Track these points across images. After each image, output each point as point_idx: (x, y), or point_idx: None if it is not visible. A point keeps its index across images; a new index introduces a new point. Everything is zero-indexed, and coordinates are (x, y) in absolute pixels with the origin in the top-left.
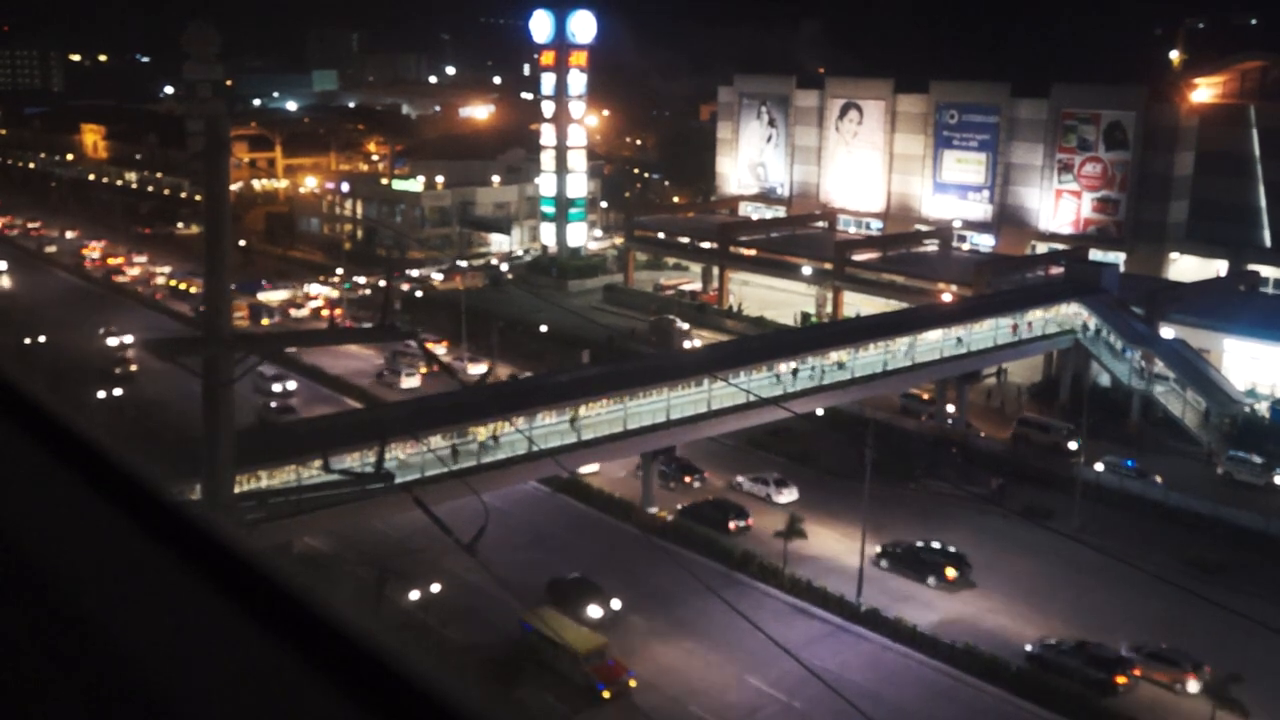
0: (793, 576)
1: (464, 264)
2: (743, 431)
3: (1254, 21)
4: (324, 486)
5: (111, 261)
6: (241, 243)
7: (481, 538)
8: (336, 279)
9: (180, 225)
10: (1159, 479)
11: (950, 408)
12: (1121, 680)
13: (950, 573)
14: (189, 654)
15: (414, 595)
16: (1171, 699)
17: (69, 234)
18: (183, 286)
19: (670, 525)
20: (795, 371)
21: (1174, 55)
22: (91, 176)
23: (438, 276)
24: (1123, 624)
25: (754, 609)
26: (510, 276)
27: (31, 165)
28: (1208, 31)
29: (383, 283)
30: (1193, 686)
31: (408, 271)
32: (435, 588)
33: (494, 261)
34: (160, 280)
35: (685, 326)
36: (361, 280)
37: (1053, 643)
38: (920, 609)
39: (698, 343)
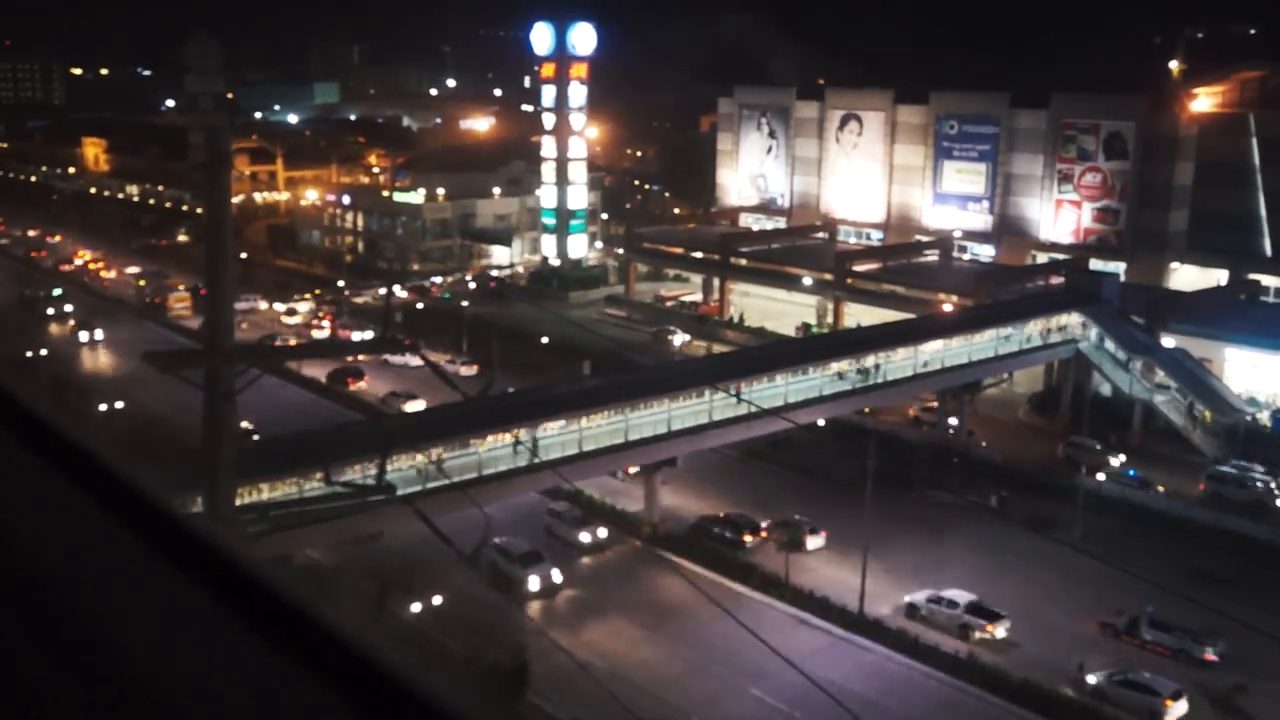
0: (796, 588)
1: (437, 280)
2: (743, 442)
3: (1253, 31)
4: (326, 499)
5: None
6: (243, 255)
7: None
8: (306, 296)
9: (183, 237)
10: (1161, 489)
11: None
12: (749, 538)
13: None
14: (190, 665)
15: (415, 607)
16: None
17: (30, 232)
18: (142, 283)
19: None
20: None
21: (1173, 65)
22: (93, 189)
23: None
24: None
25: (756, 620)
26: (508, 281)
27: (33, 178)
28: (1207, 41)
29: (351, 297)
30: (811, 544)
31: (394, 288)
32: (436, 599)
33: (467, 277)
34: (115, 275)
35: (685, 339)
36: (357, 297)
37: (709, 516)
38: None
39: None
